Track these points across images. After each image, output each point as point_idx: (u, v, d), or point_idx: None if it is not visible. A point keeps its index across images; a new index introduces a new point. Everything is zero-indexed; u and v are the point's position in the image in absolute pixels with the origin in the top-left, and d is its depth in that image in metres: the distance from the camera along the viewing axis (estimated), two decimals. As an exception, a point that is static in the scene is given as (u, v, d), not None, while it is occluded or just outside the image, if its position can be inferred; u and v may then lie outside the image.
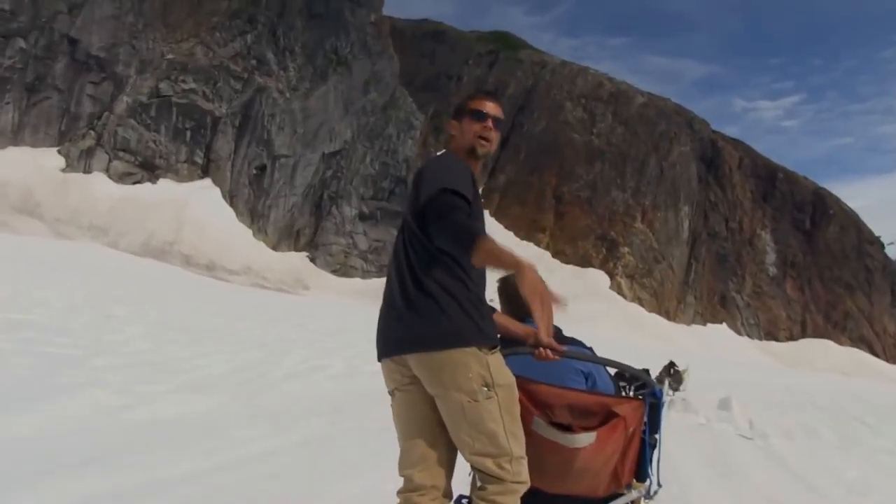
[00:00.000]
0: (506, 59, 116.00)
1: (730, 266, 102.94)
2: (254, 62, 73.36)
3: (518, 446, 2.84)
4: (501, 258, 2.69)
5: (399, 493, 2.97)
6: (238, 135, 71.15)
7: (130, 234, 58.27)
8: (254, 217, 69.76)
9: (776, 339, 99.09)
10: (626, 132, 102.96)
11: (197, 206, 64.71)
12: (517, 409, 2.91)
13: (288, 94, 74.19)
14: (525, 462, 2.86)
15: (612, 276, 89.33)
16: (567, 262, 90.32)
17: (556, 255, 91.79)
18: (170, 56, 68.46)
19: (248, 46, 73.39)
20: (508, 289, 3.63)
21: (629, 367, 3.39)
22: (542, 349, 2.86)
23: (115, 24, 66.11)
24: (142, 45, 67.19)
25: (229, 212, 68.31)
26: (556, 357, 2.89)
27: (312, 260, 71.16)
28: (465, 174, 2.89)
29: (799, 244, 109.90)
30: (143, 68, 66.91)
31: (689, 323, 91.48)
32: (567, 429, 3.08)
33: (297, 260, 69.98)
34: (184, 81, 68.32)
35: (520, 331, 3.24)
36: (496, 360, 2.85)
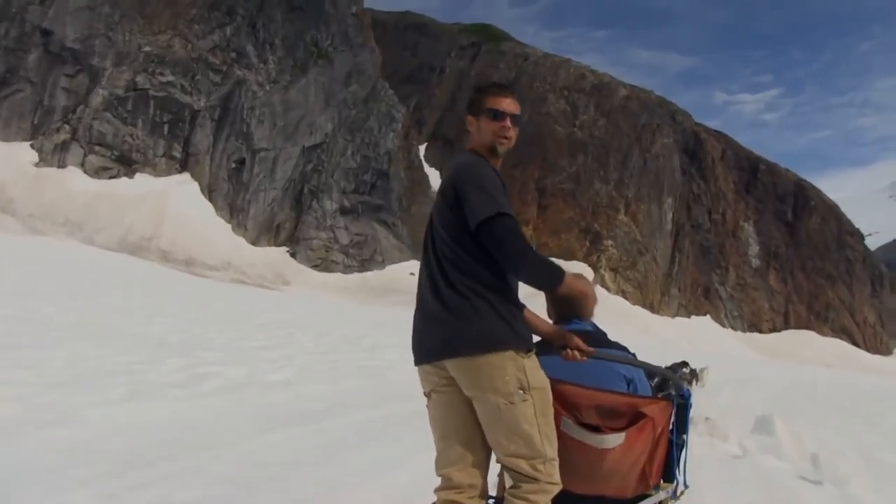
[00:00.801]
0: (488, 51, 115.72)
1: (713, 258, 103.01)
2: (233, 55, 72.24)
3: (552, 449, 2.93)
4: (574, 287, 3.04)
5: (437, 490, 3.04)
6: (217, 128, 70.08)
7: (107, 230, 57.24)
8: (233, 212, 68.83)
9: (759, 331, 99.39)
10: (608, 124, 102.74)
11: (175, 200, 63.73)
12: (551, 411, 2.99)
13: (268, 87, 73.20)
14: (557, 464, 2.94)
15: (595, 268, 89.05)
16: (550, 255, 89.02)
17: (539, 247, 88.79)
18: (147, 48, 67.16)
19: (227, 39, 72.22)
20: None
21: (657, 367, 3.43)
22: (569, 350, 3.10)
23: (90, 16, 64.78)
24: (118, 36, 65.85)
25: (208, 206, 67.36)
26: (584, 358, 3.11)
27: (293, 255, 70.31)
28: (501, 185, 2.95)
29: (781, 235, 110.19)
30: (119, 61, 65.61)
31: (673, 315, 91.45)
32: (596, 429, 3.12)
33: (278, 255, 69.12)
34: (161, 74, 67.15)
35: (548, 330, 3.27)
36: (532, 363, 2.94)
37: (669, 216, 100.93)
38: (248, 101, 71.01)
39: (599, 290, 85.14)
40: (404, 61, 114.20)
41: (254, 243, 68.70)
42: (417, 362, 3.10)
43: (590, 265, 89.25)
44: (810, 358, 79.70)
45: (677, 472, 3.35)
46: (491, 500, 3.18)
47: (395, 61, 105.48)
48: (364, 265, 74.21)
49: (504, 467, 2.98)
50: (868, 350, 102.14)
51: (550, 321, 3.55)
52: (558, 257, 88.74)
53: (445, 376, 2.99)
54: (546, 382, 2.99)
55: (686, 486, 3.40)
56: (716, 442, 8.74)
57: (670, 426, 3.29)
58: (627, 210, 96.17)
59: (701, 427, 9.11)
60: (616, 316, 70.10)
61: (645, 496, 3.25)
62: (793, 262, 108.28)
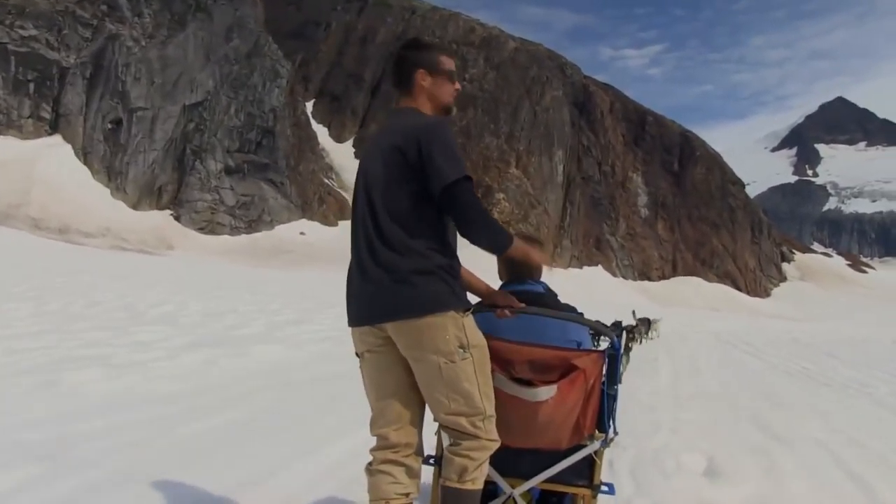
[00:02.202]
0: (375, 4, 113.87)
1: (604, 209, 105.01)
2: (104, 7, 68.23)
3: (490, 406, 2.95)
4: (530, 256, 3.09)
5: (373, 450, 3.04)
6: (89, 87, 66.33)
7: (-31, 198, 53.59)
8: (111, 175, 65.57)
9: (650, 279, 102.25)
10: (498, 77, 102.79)
11: (46, 164, 60.27)
12: (489, 368, 2.99)
13: (143, 42, 69.54)
14: (495, 420, 2.97)
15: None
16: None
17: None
18: (3, -1, 62.53)
19: (97, -10, 68.06)
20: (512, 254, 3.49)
21: (588, 320, 3.42)
22: (500, 309, 3.17)
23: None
24: (-33, -14, 61.16)
25: (83, 170, 64.02)
26: (511, 315, 3.18)
27: (177, 218, 67.74)
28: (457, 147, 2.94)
29: (668, 186, 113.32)
30: (-30, 12, 60.94)
31: (566, 266, 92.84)
32: (528, 384, 3.12)
33: (161, 218, 66.42)
34: (22, 27, 62.67)
35: (481, 288, 3.29)
36: (470, 321, 2.92)
37: (560, 169, 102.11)
38: (123, 57, 67.32)
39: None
40: (288, 16, 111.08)
41: (134, 207, 65.81)
42: (354, 324, 3.03)
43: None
44: (697, 303, 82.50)
45: (609, 421, 3.36)
46: (431, 460, 3.22)
47: (278, 16, 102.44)
48: (252, 226, 72.21)
49: (443, 426, 2.99)
50: (749, 293, 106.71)
51: (503, 280, 3.69)
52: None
53: (382, 336, 2.95)
54: (483, 341, 2.99)
55: (616, 433, 3.41)
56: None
57: (602, 377, 3.29)
58: (518, 163, 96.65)
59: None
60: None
61: (580, 447, 3.27)
62: (679, 212, 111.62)
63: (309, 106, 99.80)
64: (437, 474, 3.21)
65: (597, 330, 3.51)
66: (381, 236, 2.89)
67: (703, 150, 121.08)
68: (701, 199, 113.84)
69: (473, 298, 3.22)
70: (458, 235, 2.98)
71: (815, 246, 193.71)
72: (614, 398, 3.37)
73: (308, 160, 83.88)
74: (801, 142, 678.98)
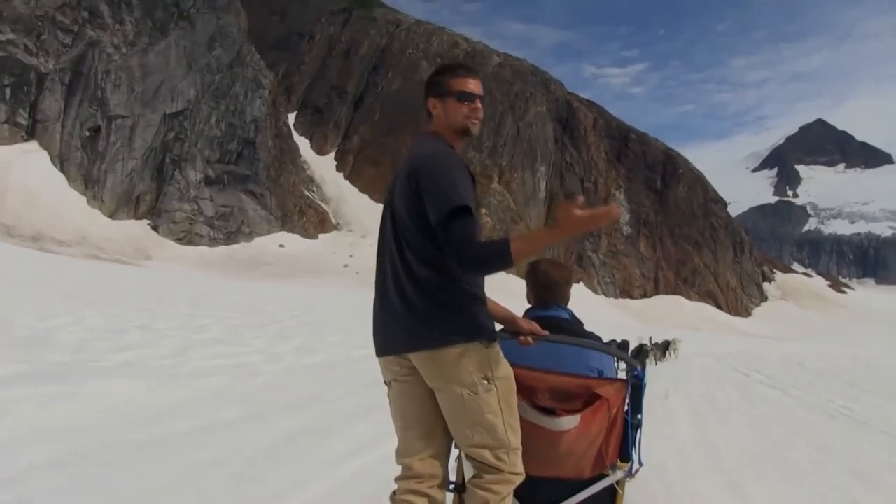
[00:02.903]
0: (359, 17, 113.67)
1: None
2: (85, 14, 67.28)
3: (515, 438, 2.90)
4: (534, 248, 2.69)
5: (398, 480, 3.00)
6: (68, 93, 65.29)
7: (-59, 204, 52.51)
8: (88, 183, 64.51)
9: (631, 297, 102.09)
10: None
11: (21, 171, 59.16)
12: (515, 400, 2.95)
13: (125, 50, 68.74)
14: (520, 453, 2.92)
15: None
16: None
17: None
18: (-20, 2, 61.57)
19: (77, -4, 67.24)
20: (538, 275, 3.66)
21: (611, 348, 3.39)
22: (522, 336, 3.13)
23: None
24: (-56, -12, 60.23)
25: (59, 177, 62.92)
26: (532, 342, 3.12)
27: (155, 228, 66.79)
28: (467, 176, 2.84)
29: (651, 203, 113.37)
30: (-54, 15, 59.97)
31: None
32: (551, 412, 3.11)
33: (138, 228, 65.46)
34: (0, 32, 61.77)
35: (503, 315, 3.21)
36: (495, 352, 2.89)
37: (543, 184, 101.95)
38: (103, 64, 66.46)
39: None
40: (272, 26, 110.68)
41: (111, 216, 64.81)
42: (380, 354, 3.02)
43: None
44: (679, 322, 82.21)
45: (633, 451, 3.31)
46: (451, 486, 3.15)
47: (262, 26, 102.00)
48: (231, 237, 71.35)
49: (467, 457, 2.94)
50: (730, 312, 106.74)
51: (530, 304, 3.65)
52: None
53: (408, 366, 2.93)
54: (510, 371, 2.94)
55: (641, 465, 3.36)
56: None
57: (626, 406, 3.26)
58: (501, 178, 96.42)
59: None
60: (490, 285, 69.64)
61: (602, 476, 3.25)
62: (662, 230, 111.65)
63: (291, 118, 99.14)
64: (458, 502, 3.24)
65: (620, 358, 3.50)
66: (405, 266, 2.86)
67: (686, 169, 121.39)
68: (683, 218, 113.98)
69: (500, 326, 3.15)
70: None
71: (796, 266, 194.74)
72: (638, 427, 3.36)
73: (289, 172, 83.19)
74: (782, 162, 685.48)
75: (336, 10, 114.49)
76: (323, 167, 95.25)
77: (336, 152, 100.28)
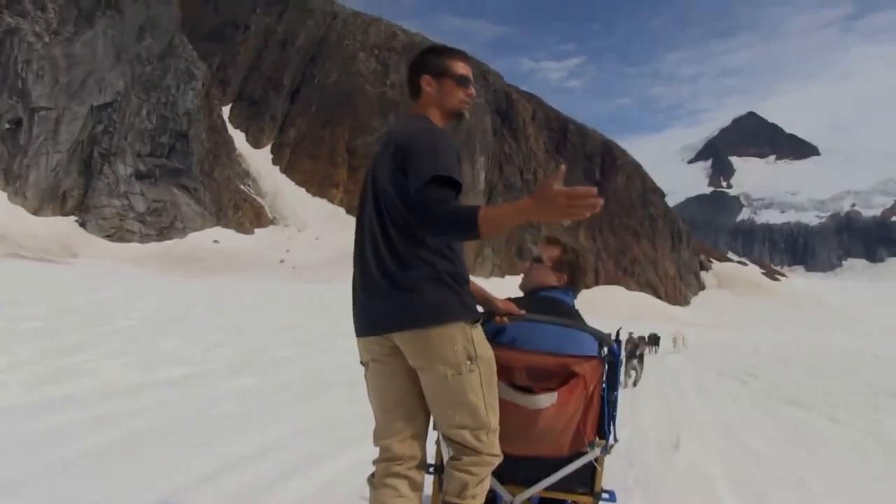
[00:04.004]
0: (295, 8, 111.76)
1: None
2: (2, 0, 64.40)
3: (495, 419, 2.90)
4: (504, 221, 2.60)
5: (376, 462, 3.00)
6: (-15, 84, 62.55)
7: None
8: (9, 178, 61.86)
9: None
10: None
11: (-64, 166, 56.35)
12: (496, 381, 2.94)
13: (47, 39, 65.93)
14: (498, 434, 2.91)
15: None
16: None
17: (350, 211, 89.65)
18: None
19: (-6, -18, 64.30)
20: (579, 266, 3.65)
21: (588, 327, 3.37)
22: (499, 316, 3.21)
23: None
24: None
25: (-23, 173, 60.27)
26: (507, 321, 3.21)
27: (82, 224, 64.37)
28: (454, 154, 2.83)
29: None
30: None
31: (487, 276, 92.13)
32: (528, 391, 3.13)
33: (65, 225, 63.01)
34: None
35: (480, 294, 3.20)
36: (478, 333, 2.88)
37: (482, 176, 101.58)
38: (24, 53, 63.67)
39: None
40: (205, 16, 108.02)
41: (35, 213, 62.28)
42: (361, 334, 2.96)
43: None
44: (619, 311, 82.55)
45: (609, 428, 3.34)
46: (430, 468, 3.15)
47: (195, 16, 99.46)
48: (163, 233, 69.21)
49: (446, 438, 2.92)
50: (669, 302, 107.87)
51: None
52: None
53: (389, 346, 2.89)
54: (491, 353, 2.91)
55: (616, 440, 3.37)
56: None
57: (602, 384, 3.28)
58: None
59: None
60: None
61: (581, 454, 3.25)
62: (601, 220, 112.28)
63: (226, 110, 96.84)
64: (438, 484, 3.20)
65: (596, 337, 3.40)
66: (388, 243, 2.81)
67: (625, 160, 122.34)
68: (622, 208, 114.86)
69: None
70: (463, 248, 2.95)
71: (731, 255, 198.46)
72: (614, 405, 3.37)
73: (223, 166, 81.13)
74: (716, 154, 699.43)
75: (271, 0, 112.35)
76: (259, 160, 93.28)
77: (272, 145, 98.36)
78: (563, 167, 2.66)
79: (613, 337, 3.42)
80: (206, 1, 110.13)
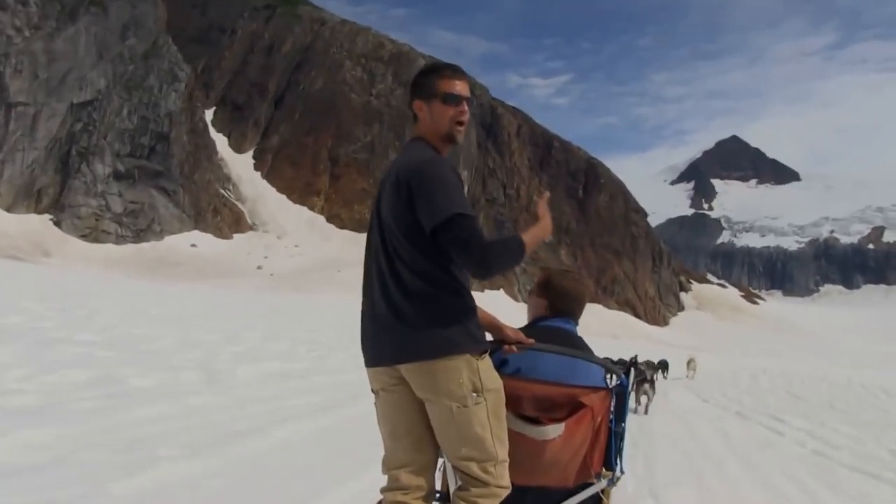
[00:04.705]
0: (283, 14, 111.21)
1: (507, 232, 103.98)
2: (-19, -7, 63.42)
3: (503, 450, 2.87)
4: (536, 244, 2.85)
5: (383, 490, 2.99)
6: (-38, 77, 61.47)
7: None
8: (-18, 173, 60.71)
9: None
10: (406, 94, 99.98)
11: None
12: (504, 412, 2.92)
13: (27, 33, 64.95)
14: (507, 466, 2.88)
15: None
16: (342, 227, 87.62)
17: (330, 219, 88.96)
18: None
19: (-28, -26, 63.25)
20: (556, 287, 3.60)
21: (598, 358, 3.36)
22: (508, 345, 3.13)
23: None
24: None
25: (-51, 167, 59.15)
26: (516, 350, 3.13)
27: (57, 223, 63.23)
28: (459, 182, 2.82)
29: (572, 212, 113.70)
30: None
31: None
32: (535, 421, 3.11)
33: (38, 223, 61.88)
34: None
35: (488, 322, 3.17)
36: (486, 364, 2.86)
37: (465, 189, 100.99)
38: (2, 47, 62.72)
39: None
40: (192, 19, 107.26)
41: (8, 210, 61.15)
42: (369, 365, 2.98)
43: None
44: (599, 330, 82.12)
45: (616, 460, 3.30)
46: (437, 495, 3.10)
47: (181, 18, 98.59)
48: (140, 236, 68.15)
49: (454, 468, 2.91)
50: (648, 321, 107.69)
51: (536, 315, 3.59)
52: (351, 229, 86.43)
53: (396, 376, 2.88)
54: (499, 383, 2.90)
55: (622, 472, 3.35)
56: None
57: (610, 415, 3.26)
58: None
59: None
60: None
61: (587, 485, 3.22)
62: (583, 238, 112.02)
63: (209, 114, 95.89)
64: None
65: (606, 368, 3.35)
66: (395, 277, 2.80)
67: (608, 178, 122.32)
68: (604, 227, 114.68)
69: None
70: (469, 279, 2.92)
71: (710, 277, 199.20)
72: (622, 436, 3.33)
73: (204, 169, 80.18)
74: (699, 176, 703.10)
75: (259, 5, 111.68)
76: (240, 166, 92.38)
77: (255, 151, 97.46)
78: (546, 193, 2.89)
79: (630, 363, 3.33)
80: (194, 4, 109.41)
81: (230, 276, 61.16)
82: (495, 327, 3.16)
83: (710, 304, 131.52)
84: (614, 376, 3.32)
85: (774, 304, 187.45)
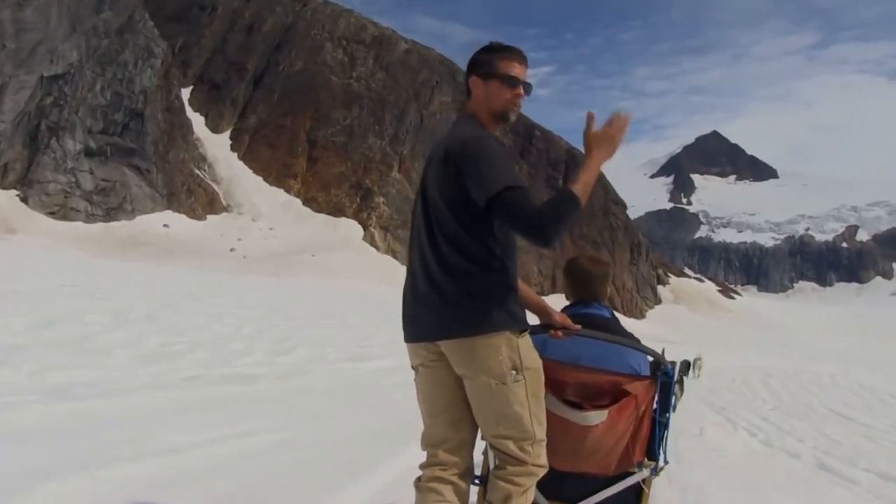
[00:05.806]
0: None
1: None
2: (-55, -41, 61.48)
3: (541, 430, 2.89)
4: (588, 180, 2.85)
5: (423, 466, 3.01)
6: (-77, 46, 59.66)
7: None
8: (-55, 146, 59.01)
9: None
10: (386, 78, 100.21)
11: None
12: (543, 392, 2.94)
13: (-6, 2, 62.95)
14: (545, 446, 2.90)
15: (365, 226, 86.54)
16: (319, 211, 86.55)
17: (307, 202, 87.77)
18: None
19: (-64, -62, 61.26)
20: (575, 270, 3.66)
21: (646, 347, 3.35)
22: (555, 330, 3.10)
23: None
24: None
25: (-90, 139, 57.48)
26: (563, 335, 3.09)
27: (24, 199, 61.47)
28: (508, 157, 2.81)
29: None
30: None
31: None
32: (579, 407, 3.14)
33: (4, 199, 60.09)
34: None
35: (536, 304, 3.18)
36: (526, 342, 2.87)
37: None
38: (-33, 16, 60.71)
39: (368, 249, 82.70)
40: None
41: (-28, 185, 59.41)
42: (409, 340, 3.02)
43: (360, 222, 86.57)
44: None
45: (660, 450, 3.32)
46: (477, 480, 3.14)
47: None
48: (110, 214, 66.53)
49: (491, 447, 2.94)
50: (626, 314, 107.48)
51: (569, 301, 3.63)
52: (327, 213, 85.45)
53: (435, 352, 2.91)
54: (539, 363, 2.92)
55: (666, 462, 3.36)
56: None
57: (654, 404, 3.26)
58: (401, 167, 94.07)
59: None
60: (383, 276, 67.22)
61: (628, 474, 3.22)
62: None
63: (186, 92, 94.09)
64: (483, 495, 3.17)
65: (654, 357, 3.36)
66: (438, 254, 2.83)
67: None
68: (583, 217, 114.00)
69: (532, 317, 3.04)
70: (515, 258, 2.92)
71: (687, 270, 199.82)
72: (666, 426, 3.33)
73: (179, 148, 78.59)
74: (678, 171, 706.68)
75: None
76: (217, 146, 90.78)
77: (231, 131, 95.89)
78: (589, 113, 2.92)
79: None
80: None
81: (204, 258, 59.84)
82: (544, 311, 3.14)
83: (687, 297, 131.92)
84: (661, 365, 3.28)
85: (750, 298, 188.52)
